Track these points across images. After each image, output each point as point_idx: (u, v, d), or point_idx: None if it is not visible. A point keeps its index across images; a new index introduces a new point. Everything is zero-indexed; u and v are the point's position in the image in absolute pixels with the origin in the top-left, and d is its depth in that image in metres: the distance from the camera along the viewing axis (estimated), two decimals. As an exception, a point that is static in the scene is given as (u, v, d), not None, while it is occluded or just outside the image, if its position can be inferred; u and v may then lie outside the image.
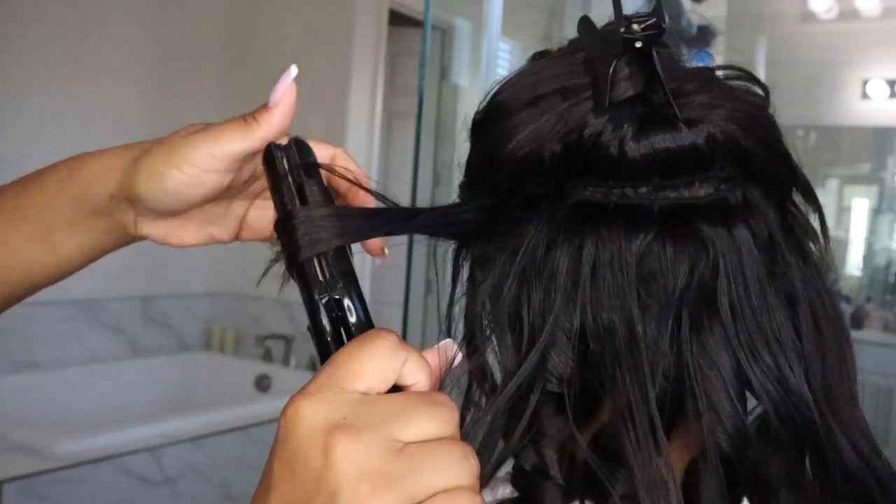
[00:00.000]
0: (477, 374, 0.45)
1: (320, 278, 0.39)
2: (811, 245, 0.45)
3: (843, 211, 3.11)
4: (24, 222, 0.53)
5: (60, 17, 2.58)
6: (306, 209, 0.40)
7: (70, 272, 0.55)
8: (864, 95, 3.12)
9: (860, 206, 3.24)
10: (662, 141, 0.40)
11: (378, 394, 0.35)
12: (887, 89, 3.09)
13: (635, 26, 0.39)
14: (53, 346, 2.69)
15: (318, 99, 2.95)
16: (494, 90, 0.45)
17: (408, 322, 1.71)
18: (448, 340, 0.41)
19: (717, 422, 0.40)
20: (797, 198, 0.46)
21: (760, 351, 0.41)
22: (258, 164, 0.46)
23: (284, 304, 2.96)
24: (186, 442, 2.27)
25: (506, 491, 0.45)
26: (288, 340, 3.02)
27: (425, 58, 1.64)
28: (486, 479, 0.43)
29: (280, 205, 0.41)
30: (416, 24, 3.16)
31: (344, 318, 0.39)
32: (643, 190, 0.41)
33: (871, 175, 3.30)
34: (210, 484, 2.32)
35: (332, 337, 0.38)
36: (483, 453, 0.42)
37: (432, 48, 1.92)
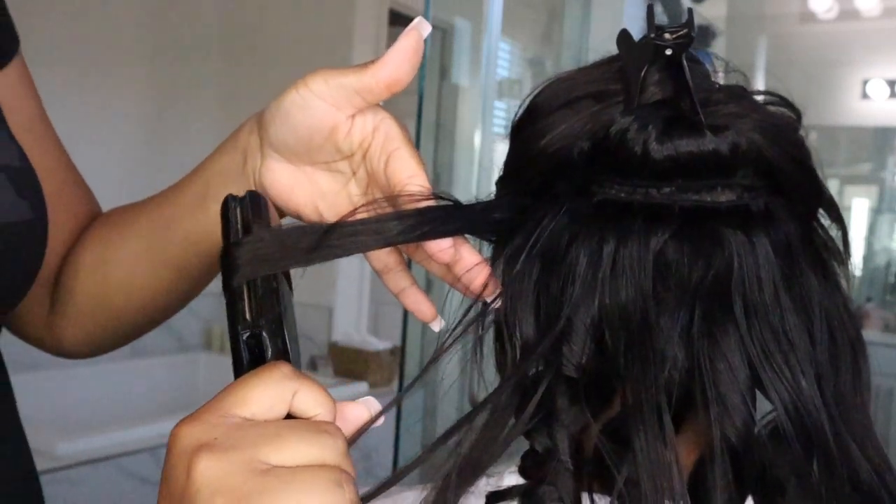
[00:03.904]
0: (498, 355, 0.46)
1: (246, 315, 0.40)
2: (834, 265, 0.46)
3: (844, 211, 3.11)
4: (187, 194, 0.57)
5: (60, 17, 2.58)
6: (243, 240, 0.42)
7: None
8: (864, 95, 3.13)
9: (860, 206, 3.25)
10: (686, 144, 0.42)
11: (264, 421, 0.36)
12: (887, 89, 3.09)
13: (667, 35, 0.42)
14: (53, 346, 2.68)
15: (318, 99, 2.94)
16: (533, 94, 0.48)
17: (408, 321, 1.70)
18: (370, 398, 0.42)
19: (724, 413, 0.41)
20: (823, 219, 0.47)
21: (772, 351, 0.42)
22: (364, 138, 0.49)
23: (284, 304, 2.95)
24: (186, 442, 2.26)
25: (510, 480, 0.46)
26: (288, 340, 3.01)
27: (425, 58, 1.64)
28: (497, 454, 0.43)
29: (225, 240, 0.43)
30: (416, 24, 3.15)
31: (262, 354, 0.40)
32: (666, 190, 0.43)
33: (871, 175, 3.30)
34: (210, 484, 2.32)
35: (247, 370, 0.39)
36: (494, 428, 0.43)
37: (432, 48, 1.92)
